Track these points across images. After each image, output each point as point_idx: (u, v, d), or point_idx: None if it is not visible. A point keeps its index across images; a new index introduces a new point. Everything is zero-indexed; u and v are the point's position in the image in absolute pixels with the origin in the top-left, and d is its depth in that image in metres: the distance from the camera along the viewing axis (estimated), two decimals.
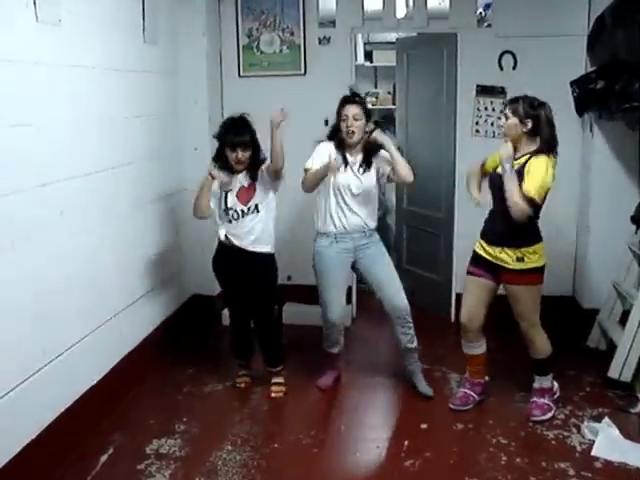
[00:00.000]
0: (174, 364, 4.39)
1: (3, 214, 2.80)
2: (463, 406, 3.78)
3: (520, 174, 3.37)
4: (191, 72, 4.82)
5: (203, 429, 3.61)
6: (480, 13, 4.90)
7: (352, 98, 3.83)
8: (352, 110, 3.75)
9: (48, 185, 3.11)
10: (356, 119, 3.74)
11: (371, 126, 3.80)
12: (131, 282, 4.05)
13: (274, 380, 4.06)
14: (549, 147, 3.41)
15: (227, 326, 4.54)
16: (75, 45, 3.34)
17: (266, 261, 3.91)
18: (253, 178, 3.81)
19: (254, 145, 3.78)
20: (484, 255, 3.61)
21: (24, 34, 2.93)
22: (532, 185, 3.32)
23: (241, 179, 3.83)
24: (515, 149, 3.46)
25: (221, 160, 3.81)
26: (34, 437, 3.02)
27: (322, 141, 3.89)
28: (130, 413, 3.78)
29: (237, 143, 3.72)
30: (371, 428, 3.69)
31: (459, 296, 5.07)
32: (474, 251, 3.69)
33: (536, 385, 3.71)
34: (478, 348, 3.78)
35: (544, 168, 3.34)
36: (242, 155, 3.74)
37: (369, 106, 6.95)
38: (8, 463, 2.82)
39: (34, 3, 2.96)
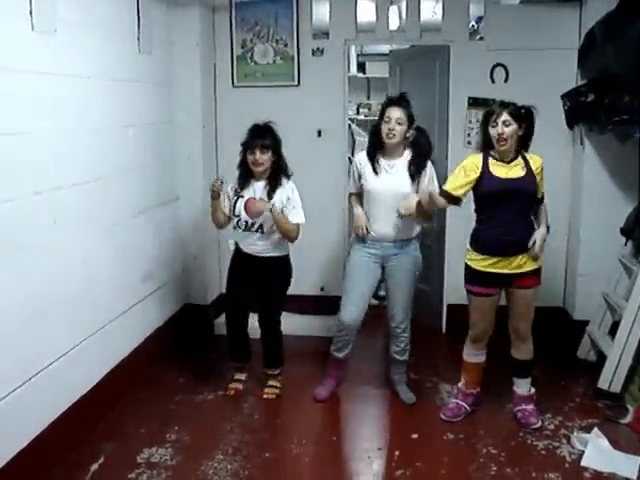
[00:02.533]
0: (166, 373, 4.38)
1: None
2: (455, 417, 3.78)
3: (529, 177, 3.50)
4: (185, 82, 4.83)
5: (194, 438, 3.61)
6: (472, 26, 4.93)
7: (397, 100, 3.71)
8: (396, 113, 3.64)
9: (41, 193, 3.11)
10: (399, 123, 3.64)
11: (412, 133, 3.71)
12: (124, 291, 4.04)
13: (270, 383, 4.10)
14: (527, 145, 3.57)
15: (219, 335, 4.55)
16: (70, 54, 3.35)
17: (276, 263, 3.90)
18: (271, 189, 3.76)
19: (275, 151, 3.76)
20: (495, 271, 3.52)
21: (20, 43, 2.95)
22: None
23: (257, 188, 3.80)
24: (505, 153, 3.52)
25: (244, 165, 3.82)
26: (25, 445, 3.01)
27: (357, 154, 3.89)
28: (121, 422, 3.77)
29: (256, 145, 3.71)
30: (362, 438, 3.70)
31: (450, 307, 5.12)
32: (475, 270, 3.58)
33: (522, 392, 3.74)
34: (481, 356, 3.79)
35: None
36: (260, 157, 3.70)
37: (362, 117, 7.12)
38: None
39: (30, 12, 2.97)
